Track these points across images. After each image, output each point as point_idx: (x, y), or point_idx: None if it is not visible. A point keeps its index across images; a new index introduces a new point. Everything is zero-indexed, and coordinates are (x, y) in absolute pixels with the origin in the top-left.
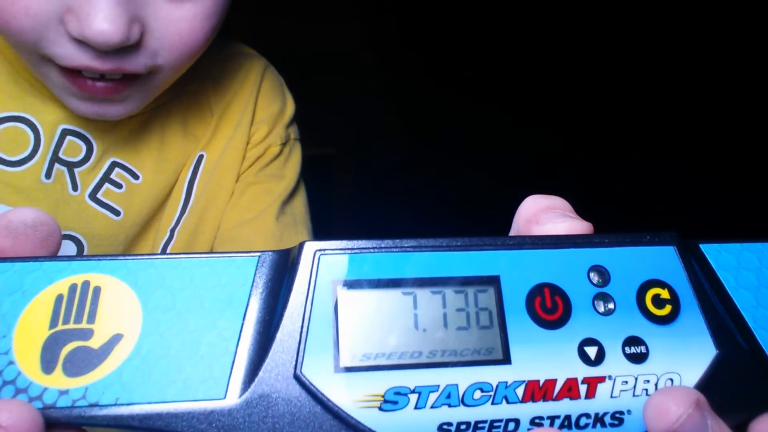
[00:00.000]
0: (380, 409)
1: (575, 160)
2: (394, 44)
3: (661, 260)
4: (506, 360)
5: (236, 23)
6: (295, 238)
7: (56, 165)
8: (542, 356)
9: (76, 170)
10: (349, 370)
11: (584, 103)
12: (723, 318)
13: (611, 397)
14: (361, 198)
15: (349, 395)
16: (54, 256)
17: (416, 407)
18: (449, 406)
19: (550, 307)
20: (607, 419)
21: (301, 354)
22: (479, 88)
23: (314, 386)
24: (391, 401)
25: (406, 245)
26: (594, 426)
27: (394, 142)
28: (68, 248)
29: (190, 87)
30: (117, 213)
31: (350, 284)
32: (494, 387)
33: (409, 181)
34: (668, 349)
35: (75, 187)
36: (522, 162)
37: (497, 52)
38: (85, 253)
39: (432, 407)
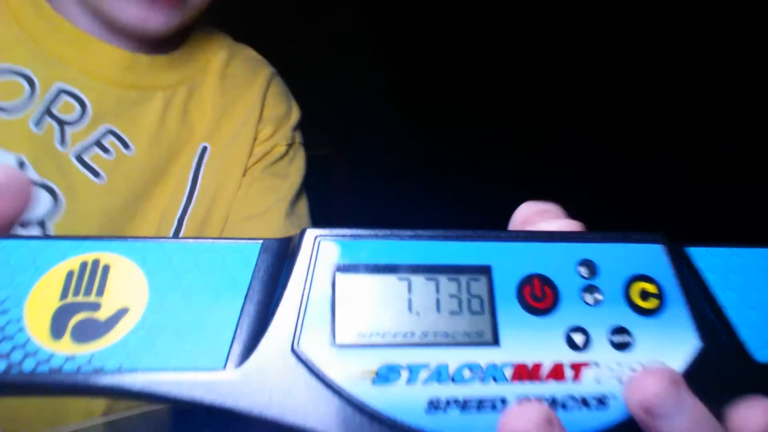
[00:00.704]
0: (373, 383)
1: (575, 160)
2: (394, 44)
3: (649, 257)
4: (495, 343)
5: (235, 22)
6: None
7: (47, 118)
8: (530, 341)
9: (67, 128)
10: (344, 346)
11: (584, 103)
12: (707, 314)
13: (596, 382)
14: (358, 197)
15: (343, 369)
16: (67, 236)
17: (407, 382)
18: (439, 382)
19: (539, 296)
20: (593, 402)
21: (298, 330)
22: (478, 87)
23: (310, 360)
24: (383, 376)
25: (403, 234)
26: (579, 408)
27: (392, 141)
28: (43, 198)
29: (197, 78)
30: (99, 176)
31: (348, 268)
32: (483, 367)
33: (407, 180)
34: (653, 339)
35: (63, 143)
36: (520, 160)
37: (497, 51)
38: (62, 208)
39: (423, 383)
